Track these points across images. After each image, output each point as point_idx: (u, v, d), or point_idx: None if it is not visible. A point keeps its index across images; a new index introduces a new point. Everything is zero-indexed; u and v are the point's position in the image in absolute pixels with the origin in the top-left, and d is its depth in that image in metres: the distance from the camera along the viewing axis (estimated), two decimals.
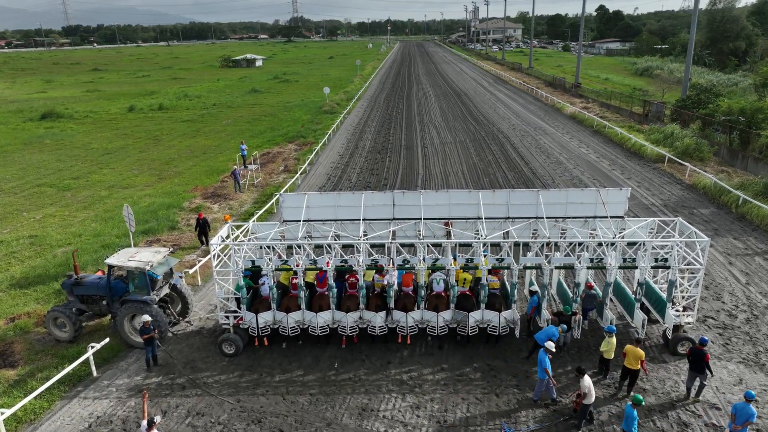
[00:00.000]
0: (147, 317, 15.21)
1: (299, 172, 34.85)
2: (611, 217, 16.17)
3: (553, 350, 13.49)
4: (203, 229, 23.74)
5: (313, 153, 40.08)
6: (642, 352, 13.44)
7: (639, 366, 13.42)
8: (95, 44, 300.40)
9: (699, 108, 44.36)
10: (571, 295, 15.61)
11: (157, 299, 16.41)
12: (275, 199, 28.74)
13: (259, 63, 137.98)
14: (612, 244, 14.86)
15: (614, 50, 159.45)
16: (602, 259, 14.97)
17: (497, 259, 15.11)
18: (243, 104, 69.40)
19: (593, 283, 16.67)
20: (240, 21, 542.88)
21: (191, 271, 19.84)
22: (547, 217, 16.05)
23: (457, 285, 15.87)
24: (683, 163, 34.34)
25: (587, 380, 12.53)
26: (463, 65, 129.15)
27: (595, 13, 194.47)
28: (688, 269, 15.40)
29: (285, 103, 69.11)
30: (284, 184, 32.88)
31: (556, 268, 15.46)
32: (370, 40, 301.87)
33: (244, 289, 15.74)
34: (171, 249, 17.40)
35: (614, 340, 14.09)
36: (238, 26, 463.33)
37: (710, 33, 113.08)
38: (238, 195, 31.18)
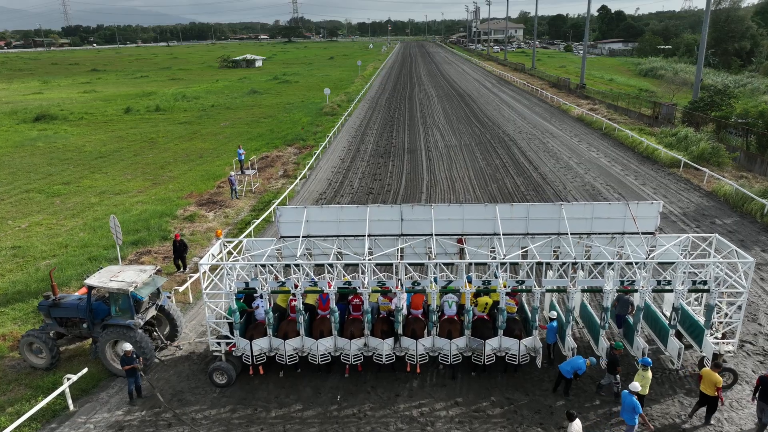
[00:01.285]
0: (128, 346, 13.74)
1: (299, 178, 33.39)
2: (643, 233, 14.68)
3: (638, 390, 11.93)
4: (180, 253, 21.03)
5: (314, 157, 38.62)
6: (719, 378, 12.11)
7: (716, 393, 12.05)
8: (95, 45, 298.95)
9: (712, 110, 42.93)
10: (599, 321, 14.11)
11: (142, 323, 14.94)
12: (272, 208, 27.29)
13: (258, 63, 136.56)
14: (644, 264, 13.37)
15: (617, 51, 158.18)
16: (633, 281, 13.49)
17: (517, 282, 13.63)
18: (242, 106, 67.96)
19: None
20: (240, 21, 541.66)
21: (181, 289, 18.38)
22: (571, 234, 14.57)
23: (475, 309, 14.41)
24: (699, 168, 32.87)
25: (577, 426, 11.18)
26: (464, 66, 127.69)
27: (597, 14, 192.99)
28: (728, 293, 13.93)
29: (285, 104, 67.66)
30: (283, 190, 31.41)
31: (582, 291, 13.97)
32: (370, 40, 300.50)
33: (238, 313, 14.28)
34: (158, 267, 15.90)
35: (650, 374, 12.61)
36: (238, 26, 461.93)
37: (715, 33, 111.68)
38: (235, 202, 29.71)
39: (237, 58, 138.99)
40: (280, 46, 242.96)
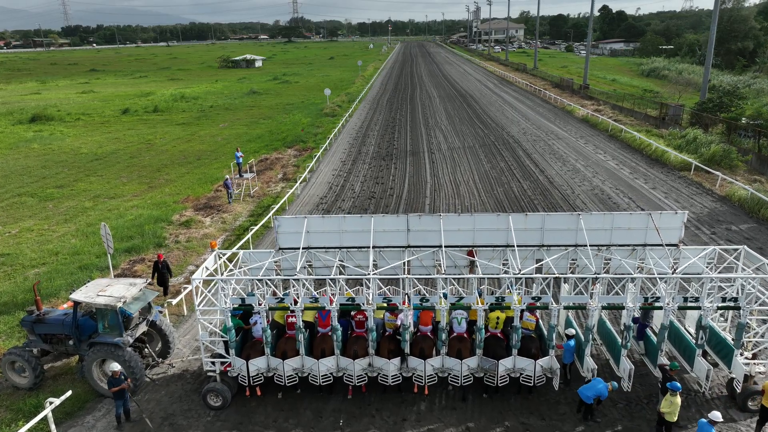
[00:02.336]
0: (116, 366, 12.79)
1: (299, 181, 32.44)
2: (667, 245, 13.73)
3: (719, 420, 10.96)
4: (162, 277, 18.76)
5: (314, 159, 37.68)
6: None
7: None
8: (94, 45, 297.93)
9: (721, 111, 42.00)
10: (620, 341, 13.16)
11: (132, 340, 14.00)
12: (271, 213, 26.34)
13: (258, 63, 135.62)
14: (670, 279, 12.41)
15: (618, 51, 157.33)
16: (658, 298, 12.54)
17: (533, 298, 12.69)
18: (241, 106, 67.01)
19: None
20: (240, 21, 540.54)
21: (175, 301, 17.42)
22: (590, 245, 13.62)
23: (487, 325, 13.48)
24: (711, 171, 31.95)
25: None
26: (466, 66, 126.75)
27: (598, 14, 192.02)
28: (760, 310, 13.00)
29: (285, 105, 66.73)
30: (283, 194, 30.48)
31: (603, 308, 13.02)
32: (370, 40, 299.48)
33: (233, 331, 13.33)
34: (148, 280, 14.96)
35: (679, 400, 11.66)
36: (238, 26, 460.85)
37: (717, 33, 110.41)
38: (233, 207, 28.76)
39: (237, 58, 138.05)
40: (280, 46, 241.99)
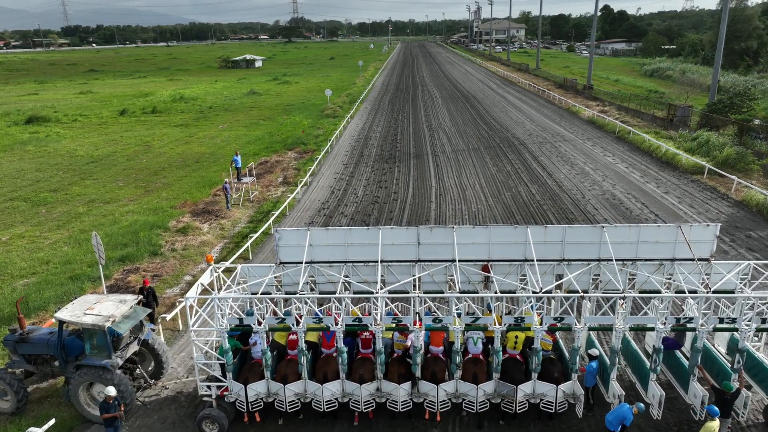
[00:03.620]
0: (111, 390, 11.77)
1: (300, 185, 31.46)
2: (699, 259, 12.74)
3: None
4: (148, 305, 16.12)
5: (315, 162, 36.69)
6: None
7: None
8: (94, 45, 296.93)
9: (732, 113, 41.02)
10: (648, 364, 12.18)
11: (122, 362, 13.02)
12: (271, 220, 25.37)
13: (258, 64, 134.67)
14: (705, 298, 11.44)
15: (620, 51, 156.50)
16: (691, 319, 11.56)
17: (555, 318, 11.71)
18: (240, 107, 66.02)
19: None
20: (240, 21, 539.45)
21: (169, 317, 16.42)
22: (615, 260, 12.63)
23: (505, 346, 12.50)
24: (725, 174, 30.97)
25: None
26: (467, 66, 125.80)
27: (599, 14, 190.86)
28: None
29: (285, 105, 65.74)
30: (283, 199, 29.50)
31: (631, 329, 12.03)
32: (371, 40, 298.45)
33: (230, 353, 12.35)
34: (140, 297, 13.97)
35: (716, 424, 10.70)
36: (238, 27, 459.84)
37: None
38: (231, 212, 27.77)
39: (236, 58, 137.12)
40: (280, 47, 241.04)
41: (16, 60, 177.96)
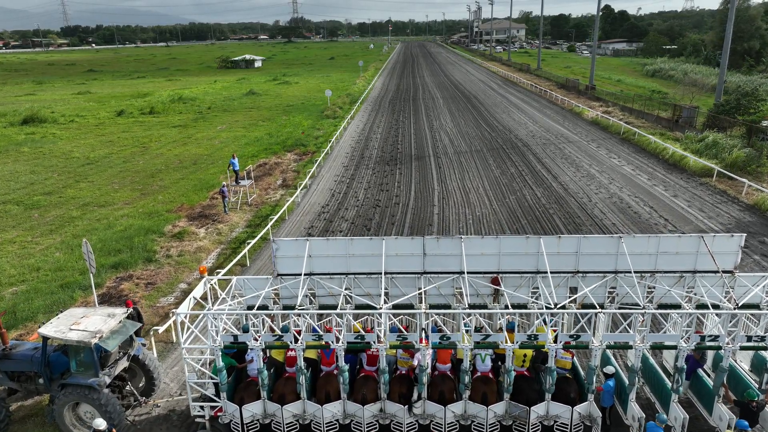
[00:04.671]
0: (101, 424, 10.89)
1: (299, 188, 30.73)
2: (723, 272, 12.00)
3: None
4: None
5: (315, 164, 35.95)
6: None
7: None
8: (93, 45, 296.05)
9: (740, 114, 40.28)
10: (669, 385, 11.44)
11: (109, 380, 12.27)
12: (269, 226, 24.63)
13: (258, 64, 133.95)
14: (732, 316, 10.71)
15: (621, 51, 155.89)
16: (717, 337, 10.82)
17: (571, 336, 10.97)
18: (239, 108, 65.29)
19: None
20: (240, 21, 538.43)
21: (161, 329, 15.66)
22: (634, 272, 11.89)
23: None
24: (735, 177, 30.24)
25: None
26: (468, 66, 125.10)
27: (600, 13, 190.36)
28: None
29: (284, 106, 65.01)
30: (282, 202, 28.77)
31: (652, 348, 11.29)
32: (371, 40, 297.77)
33: (224, 372, 11.61)
34: (129, 310, 13.24)
35: None
36: (238, 27, 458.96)
37: (723, 33, 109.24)
38: (229, 217, 27.03)
39: (236, 58, 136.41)
40: (280, 47, 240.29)
41: (15, 60, 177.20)
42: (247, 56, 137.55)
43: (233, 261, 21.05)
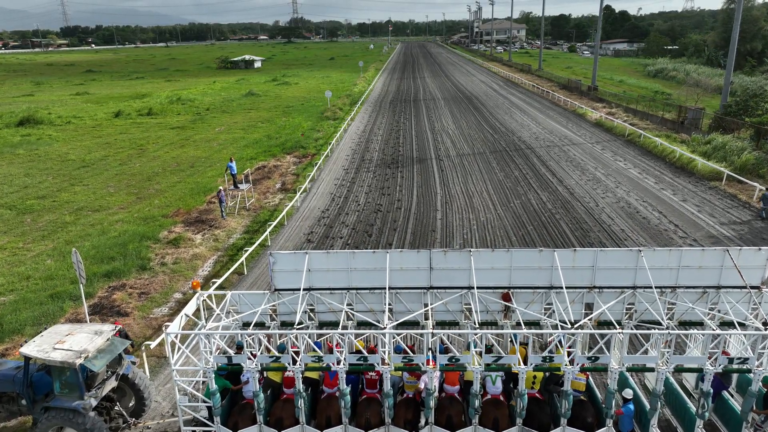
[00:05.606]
0: None
1: (299, 192, 30.00)
2: (751, 287, 11.27)
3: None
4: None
5: (315, 167, 35.23)
6: None
7: None
8: (93, 45, 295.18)
9: (747, 115, 39.55)
10: (693, 408, 10.71)
11: (96, 402, 11.54)
12: (267, 233, 23.90)
13: (257, 64, 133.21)
14: (763, 337, 9.97)
15: (622, 51, 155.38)
16: (746, 359, 10.09)
17: (589, 358, 10.24)
18: (238, 109, 64.55)
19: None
20: (240, 22, 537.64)
21: (153, 345, 14.91)
22: (655, 287, 11.16)
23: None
24: (745, 181, 29.52)
25: None
26: (468, 66, 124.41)
27: (599, 14, 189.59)
28: None
29: (284, 107, 64.27)
30: (281, 207, 28.05)
31: (677, 371, 10.55)
32: (371, 41, 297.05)
33: (218, 395, 10.88)
34: (119, 327, 12.50)
35: None
36: (238, 27, 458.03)
37: (725, 33, 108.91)
38: (226, 222, 26.30)
39: (235, 58, 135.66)
40: (279, 47, 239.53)
41: (14, 61, 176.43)
42: (247, 57, 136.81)
43: (230, 270, 20.31)
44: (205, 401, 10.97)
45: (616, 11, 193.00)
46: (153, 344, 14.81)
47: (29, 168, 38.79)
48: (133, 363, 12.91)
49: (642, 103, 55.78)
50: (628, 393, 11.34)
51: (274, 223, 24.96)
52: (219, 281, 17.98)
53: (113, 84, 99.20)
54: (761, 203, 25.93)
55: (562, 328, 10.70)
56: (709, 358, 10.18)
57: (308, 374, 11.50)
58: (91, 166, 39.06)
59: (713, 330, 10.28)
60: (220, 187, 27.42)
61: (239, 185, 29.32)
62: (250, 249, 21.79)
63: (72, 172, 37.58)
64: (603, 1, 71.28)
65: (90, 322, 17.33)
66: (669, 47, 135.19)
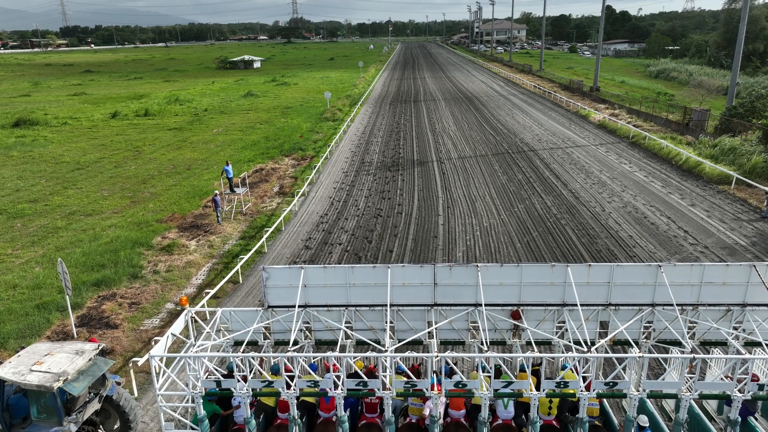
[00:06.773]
0: None
1: (297, 196, 29.23)
2: None
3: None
4: None
5: (314, 170, 34.46)
6: None
7: None
8: (92, 45, 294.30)
9: (755, 117, 38.81)
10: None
11: (76, 428, 10.77)
12: (264, 239, 23.13)
13: (257, 65, 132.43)
14: None
15: (623, 51, 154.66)
16: None
17: (606, 383, 9.47)
18: (237, 109, 63.78)
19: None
20: (239, 22, 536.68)
21: (141, 362, 14.12)
22: (676, 304, 10.40)
23: (537, 411, 10.26)
24: (755, 185, 28.78)
25: None
26: (468, 66, 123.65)
27: (601, 14, 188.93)
28: None
29: (283, 108, 63.51)
30: (279, 212, 27.27)
31: (702, 397, 9.78)
32: (371, 41, 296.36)
33: (206, 421, 10.12)
34: (102, 346, 11.73)
35: None
36: (238, 27, 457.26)
37: (727, 34, 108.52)
38: (222, 228, 25.52)
39: (235, 59, 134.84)
40: (279, 47, 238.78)
41: (13, 61, 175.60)
42: (246, 57, 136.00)
43: (225, 278, 19.55)
44: (192, 428, 10.20)
45: (617, 11, 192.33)
46: (141, 361, 14.02)
47: (22, 171, 38.01)
48: (118, 383, 12.13)
49: (645, 104, 55.06)
50: (643, 420, 10.55)
51: (271, 229, 24.20)
52: (212, 292, 17.21)
53: (111, 84, 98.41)
54: (765, 203, 25.45)
55: (576, 349, 9.94)
56: (738, 382, 9.41)
57: (304, 398, 10.75)
58: (86, 169, 38.29)
59: (741, 353, 9.52)
60: (216, 191, 26.63)
61: (236, 189, 28.54)
62: (246, 257, 21.01)
63: (66, 174, 36.81)
64: (605, 1, 70.40)
65: (77, 335, 16.57)
66: (670, 48, 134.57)
